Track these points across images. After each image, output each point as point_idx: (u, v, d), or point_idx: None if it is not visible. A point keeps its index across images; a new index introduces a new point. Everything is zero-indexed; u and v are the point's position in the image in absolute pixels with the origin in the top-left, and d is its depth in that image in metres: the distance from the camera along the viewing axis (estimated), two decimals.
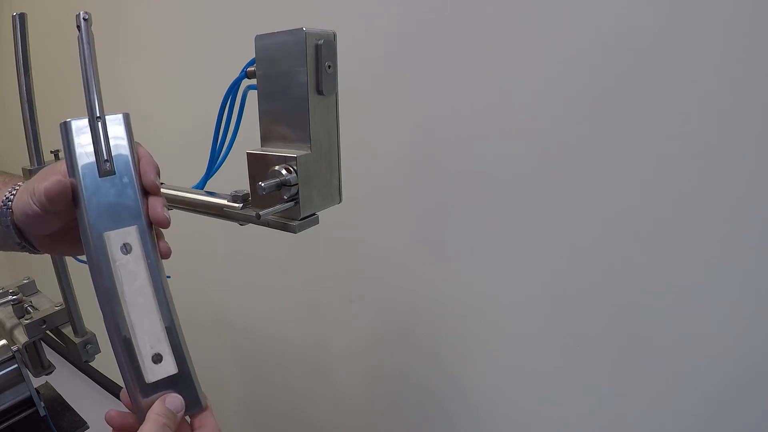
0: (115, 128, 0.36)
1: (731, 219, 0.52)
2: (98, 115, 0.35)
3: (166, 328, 0.35)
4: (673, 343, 0.58)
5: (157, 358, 0.35)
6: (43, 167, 0.67)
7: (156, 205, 0.37)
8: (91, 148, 0.35)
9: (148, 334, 0.35)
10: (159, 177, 0.38)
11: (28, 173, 0.66)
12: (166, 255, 0.38)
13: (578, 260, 0.63)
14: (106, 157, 0.35)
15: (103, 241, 0.34)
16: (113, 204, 0.35)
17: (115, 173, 0.35)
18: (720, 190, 0.51)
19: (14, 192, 0.40)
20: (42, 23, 1.47)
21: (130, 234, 0.35)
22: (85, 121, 0.35)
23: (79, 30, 0.36)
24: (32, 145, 0.67)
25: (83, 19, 0.36)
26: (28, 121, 0.66)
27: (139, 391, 0.34)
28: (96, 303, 0.35)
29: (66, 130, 0.36)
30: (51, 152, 0.69)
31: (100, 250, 0.34)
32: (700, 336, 0.56)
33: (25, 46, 0.64)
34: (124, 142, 0.36)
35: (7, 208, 0.40)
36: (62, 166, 0.37)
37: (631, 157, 0.56)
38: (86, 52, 0.36)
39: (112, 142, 0.36)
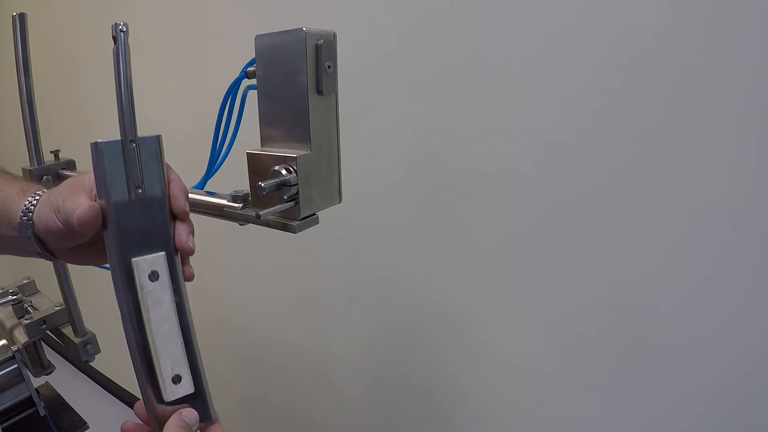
0: (148, 151, 0.35)
1: (732, 219, 0.52)
2: (132, 138, 0.34)
3: (186, 350, 0.36)
4: (673, 343, 0.58)
5: (177, 379, 0.36)
6: (49, 165, 0.67)
7: (182, 232, 0.37)
8: (122, 172, 0.34)
9: (170, 358, 0.35)
10: (188, 202, 0.38)
11: (28, 173, 0.66)
12: (190, 279, 0.38)
13: (578, 260, 0.63)
14: (138, 184, 0.34)
15: (131, 268, 0.34)
16: (142, 229, 0.35)
17: (146, 199, 0.35)
18: (720, 190, 0.51)
19: (34, 203, 0.40)
20: (42, 23, 1.47)
21: (158, 261, 0.35)
22: (117, 143, 0.34)
23: (114, 42, 0.33)
24: (32, 145, 0.67)
25: (120, 30, 0.33)
26: (28, 121, 0.66)
27: (157, 407, 0.35)
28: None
29: (97, 151, 0.34)
30: (51, 152, 0.69)
31: (129, 276, 0.34)
32: (700, 336, 0.56)
33: (25, 46, 0.64)
34: (157, 167, 0.35)
35: (27, 219, 0.40)
36: (86, 181, 0.37)
37: (632, 157, 0.56)
38: (122, 68, 0.34)
39: (144, 167, 0.35)
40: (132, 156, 0.34)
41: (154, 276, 0.35)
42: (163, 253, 0.35)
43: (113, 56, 0.33)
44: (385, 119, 0.75)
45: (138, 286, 0.34)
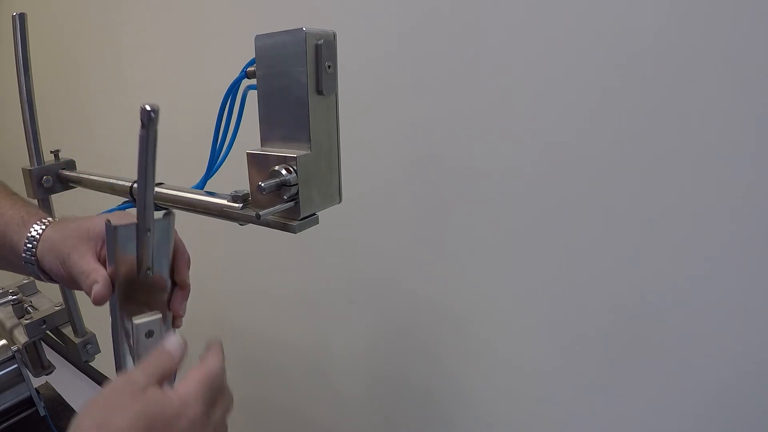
0: (161, 233, 0.38)
1: (731, 219, 0.52)
2: (149, 228, 0.36)
3: None
4: (672, 343, 0.58)
5: None
6: (49, 165, 0.67)
7: (178, 301, 0.41)
8: (135, 255, 0.37)
9: None
10: (188, 269, 0.42)
11: (28, 173, 0.66)
12: (178, 327, 0.42)
13: (578, 260, 0.63)
14: (149, 265, 0.37)
15: (131, 328, 0.37)
16: (145, 297, 0.39)
17: (153, 276, 0.38)
18: (720, 190, 0.51)
19: (37, 237, 0.42)
20: (42, 23, 1.47)
21: (155, 323, 0.38)
22: (132, 229, 0.36)
23: (142, 126, 0.32)
24: (32, 145, 0.67)
25: (150, 116, 0.31)
26: (28, 121, 0.66)
27: None
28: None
29: (113, 234, 0.36)
30: (51, 152, 0.69)
31: (127, 331, 0.38)
32: (701, 336, 0.56)
33: (25, 46, 0.64)
34: (167, 247, 0.38)
35: (31, 255, 0.42)
36: (91, 230, 0.40)
37: (631, 157, 0.56)
38: (148, 155, 0.33)
39: (155, 249, 0.37)
40: (146, 242, 0.36)
41: (149, 334, 0.38)
42: (160, 315, 0.38)
43: (139, 141, 0.32)
44: (385, 119, 0.75)
45: (134, 341, 0.37)
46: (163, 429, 0.30)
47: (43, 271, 0.43)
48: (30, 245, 0.42)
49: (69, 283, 0.41)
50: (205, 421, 0.33)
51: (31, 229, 0.42)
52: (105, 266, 0.39)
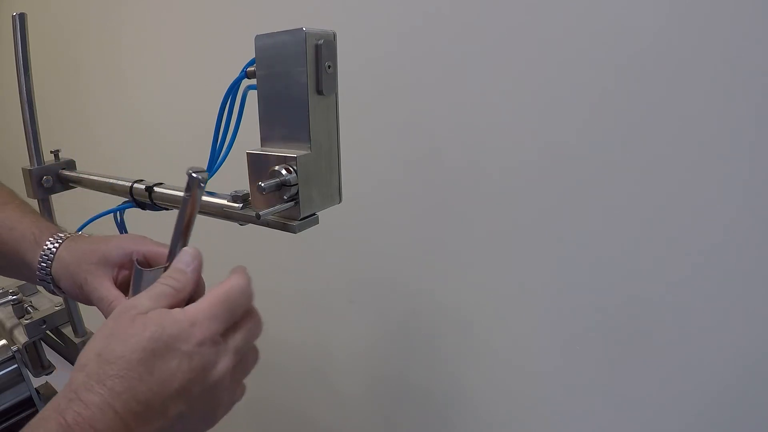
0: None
1: (732, 218, 0.52)
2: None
3: None
4: (672, 342, 0.58)
5: None
6: (49, 165, 0.67)
7: None
8: None
9: None
10: None
11: (28, 173, 0.66)
12: None
13: (579, 259, 0.63)
14: None
15: None
16: None
17: None
18: (720, 189, 0.51)
19: (51, 256, 0.42)
20: (42, 23, 1.47)
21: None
22: (159, 270, 0.37)
23: (188, 191, 0.32)
24: (32, 145, 0.67)
25: (199, 183, 0.32)
26: (28, 121, 0.66)
27: None
28: None
29: (141, 278, 0.38)
30: (51, 152, 0.69)
31: None
32: (701, 335, 0.56)
33: (25, 46, 0.64)
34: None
35: (46, 273, 0.42)
36: (110, 253, 0.40)
37: (631, 157, 0.56)
38: (188, 216, 0.34)
39: None
40: None
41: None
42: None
43: (182, 203, 0.34)
44: (385, 119, 0.75)
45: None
46: (165, 352, 0.26)
47: (59, 288, 0.43)
48: (44, 264, 0.42)
49: (86, 303, 0.41)
50: (220, 345, 0.29)
51: (44, 247, 0.42)
52: (124, 293, 0.40)
